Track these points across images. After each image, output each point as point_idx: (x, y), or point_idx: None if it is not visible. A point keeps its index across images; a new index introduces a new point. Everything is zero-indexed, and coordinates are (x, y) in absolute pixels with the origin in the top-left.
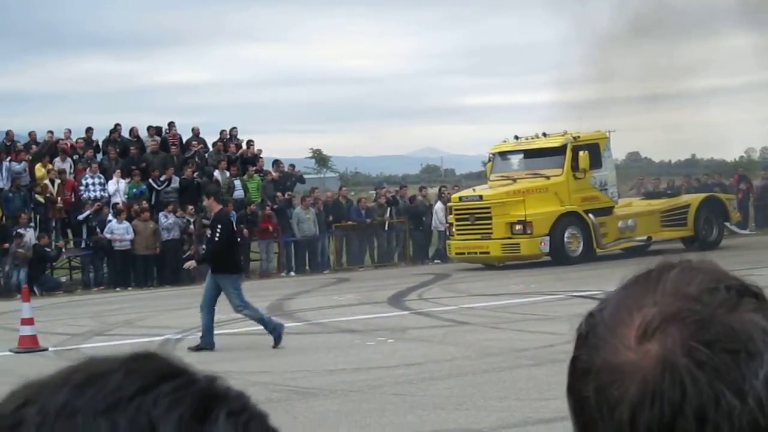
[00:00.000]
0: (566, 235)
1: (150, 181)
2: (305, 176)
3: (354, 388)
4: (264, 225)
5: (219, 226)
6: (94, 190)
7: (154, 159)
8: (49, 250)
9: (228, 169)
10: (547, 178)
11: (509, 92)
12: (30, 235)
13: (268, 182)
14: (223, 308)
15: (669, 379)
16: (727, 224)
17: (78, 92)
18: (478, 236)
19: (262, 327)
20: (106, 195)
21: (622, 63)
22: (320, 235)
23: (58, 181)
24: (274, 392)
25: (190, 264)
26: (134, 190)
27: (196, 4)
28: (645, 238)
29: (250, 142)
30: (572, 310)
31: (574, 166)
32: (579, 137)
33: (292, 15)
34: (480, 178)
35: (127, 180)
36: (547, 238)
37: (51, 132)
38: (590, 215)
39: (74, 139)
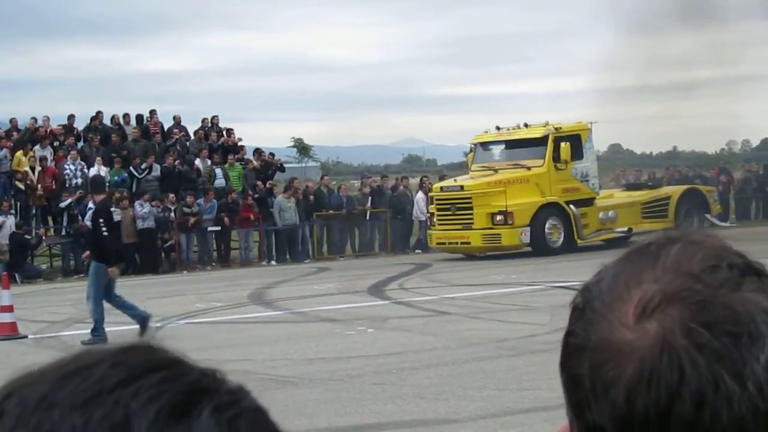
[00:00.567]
0: (547, 225)
1: (131, 169)
2: (287, 165)
3: (334, 377)
4: (245, 214)
5: (102, 220)
6: (75, 178)
7: (136, 147)
8: (29, 237)
9: (209, 158)
10: (529, 168)
11: (492, 82)
12: (10, 223)
13: (249, 171)
14: (203, 296)
15: (667, 360)
16: (708, 216)
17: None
18: (459, 226)
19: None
20: (86, 182)
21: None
22: (301, 224)
23: (39, 168)
24: (254, 381)
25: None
26: (115, 177)
27: None
28: (626, 229)
29: (230, 131)
30: (553, 301)
31: (556, 157)
32: (561, 128)
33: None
34: (462, 168)
35: (109, 168)
36: (528, 228)
37: (34, 119)
38: (571, 206)
39: (53, 126)
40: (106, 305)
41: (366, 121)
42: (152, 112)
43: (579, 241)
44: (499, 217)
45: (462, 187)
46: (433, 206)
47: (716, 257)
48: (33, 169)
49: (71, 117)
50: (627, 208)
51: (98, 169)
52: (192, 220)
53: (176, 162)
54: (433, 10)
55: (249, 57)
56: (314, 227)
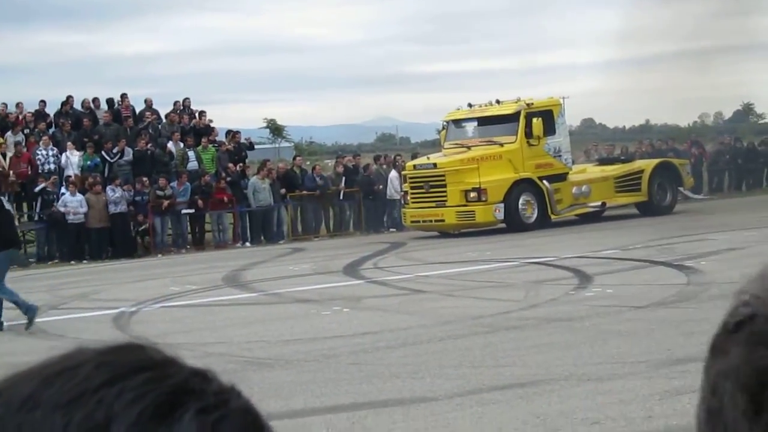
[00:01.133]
0: (521, 201)
1: (103, 153)
2: (260, 146)
3: (309, 357)
4: (218, 196)
5: None
6: (48, 163)
7: (107, 131)
8: None
9: (182, 141)
10: (501, 145)
11: (463, 59)
12: None
13: (222, 153)
14: (178, 280)
15: None
16: (681, 189)
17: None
18: (433, 204)
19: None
20: (58, 167)
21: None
22: (275, 205)
23: (10, 154)
24: (230, 363)
25: None
26: (88, 162)
27: None
28: (599, 203)
29: (202, 113)
30: (527, 277)
31: (528, 133)
32: (532, 104)
33: None
34: (435, 145)
35: (81, 152)
36: (502, 205)
37: (5, 104)
38: (544, 182)
39: (26, 112)
40: None
41: (339, 100)
42: (123, 96)
43: (553, 217)
44: (472, 194)
45: (435, 165)
46: (406, 184)
47: None
48: (4, 155)
49: (42, 102)
50: (600, 182)
51: (70, 154)
52: (165, 203)
53: (148, 145)
54: None
55: (221, 38)
56: (288, 208)
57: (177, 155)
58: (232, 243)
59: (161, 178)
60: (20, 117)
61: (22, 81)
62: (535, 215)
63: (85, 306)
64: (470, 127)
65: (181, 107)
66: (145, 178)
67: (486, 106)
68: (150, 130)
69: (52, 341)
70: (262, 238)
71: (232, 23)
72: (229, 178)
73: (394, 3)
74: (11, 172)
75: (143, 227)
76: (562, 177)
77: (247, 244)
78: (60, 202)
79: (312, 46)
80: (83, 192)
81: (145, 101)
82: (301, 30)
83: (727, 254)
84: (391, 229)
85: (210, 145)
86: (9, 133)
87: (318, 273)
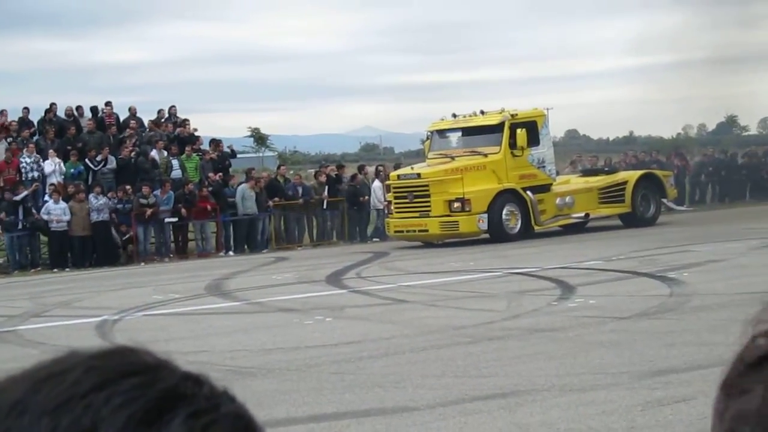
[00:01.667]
0: (504, 212)
1: (86, 161)
2: (244, 155)
3: (292, 366)
4: (202, 204)
5: None
6: (32, 171)
7: (91, 139)
8: None
9: (166, 149)
10: (485, 155)
11: (448, 70)
12: None
13: (206, 162)
14: (161, 288)
15: None
16: (665, 201)
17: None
18: (417, 214)
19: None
20: (41, 175)
21: None
22: (260, 214)
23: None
24: (212, 372)
25: None
26: (71, 170)
27: None
28: (583, 215)
29: (185, 122)
30: (510, 288)
31: (512, 144)
32: (517, 115)
33: None
34: (419, 156)
35: (64, 160)
36: (486, 215)
37: None
38: (528, 192)
39: (9, 120)
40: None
41: (323, 109)
42: (107, 104)
43: (536, 227)
44: (456, 204)
45: (419, 175)
46: (390, 194)
47: None
48: None
49: (25, 109)
50: (584, 193)
51: (53, 162)
52: (149, 211)
53: (132, 153)
54: None
55: (206, 47)
56: (272, 217)
57: (161, 163)
58: (216, 252)
59: (144, 186)
60: (4, 124)
61: (5, 88)
62: (518, 226)
63: (68, 314)
64: (454, 137)
65: (166, 115)
66: (128, 186)
67: (470, 116)
68: (134, 139)
69: (30, 348)
70: (246, 247)
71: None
72: (211, 188)
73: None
74: None
75: (127, 236)
76: (545, 188)
77: (231, 253)
78: (43, 209)
79: (297, 55)
80: (66, 200)
81: (129, 109)
82: (286, 39)
83: (710, 266)
84: (375, 239)
85: (194, 154)
86: None
87: (301, 282)
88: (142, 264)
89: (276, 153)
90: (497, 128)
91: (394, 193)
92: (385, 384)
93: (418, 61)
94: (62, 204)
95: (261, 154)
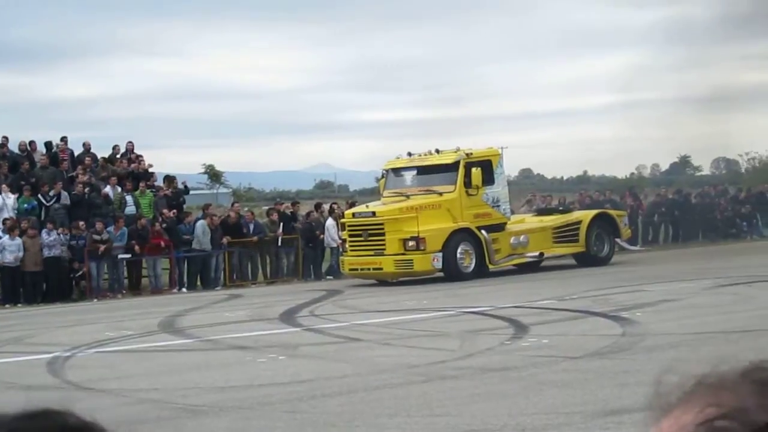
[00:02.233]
0: (459, 251)
1: (39, 196)
2: (198, 192)
3: (244, 405)
4: (155, 241)
5: None
6: None
7: (44, 174)
8: None
9: (120, 185)
10: (440, 194)
11: (402, 108)
12: None
13: (160, 198)
14: (114, 325)
15: None
16: (618, 240)
17: None
18: (372, 252)
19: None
20: None
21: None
22: (214, 251)
23: None
24: (164, 410)
25: None
26: (24, 205)
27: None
28: (537, 254)
29: (139, 157)
30: (463, 327)
31: (467, 183)
32: (472, 154)
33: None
34: (374, 194)
35: (17, 195)
36: (440, 254)
37: None
38: (483, 231)
39: None
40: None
41: (277, 146)
42: (63, 139)
43: (491, 266)
44: (411, 243)
45: (374, 213)
46: (345, 232)
47: None
48: None
49: None
50: (538, 232)
51: (6, 197)
52: (102, 247)
53: (85, 189)
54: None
55: (161, 83)
56: (226, 254)
57: (114, 199)
58: (169, 288)
59: (98, 222)
60: None
61: None
62: (473, 265)
63: (19, 350)
64: (409, 175)
65: (122, 151)
66: (81, 222)
67: (425, 155)
68: (87, 175)
69: None
70: (199, 283)
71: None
72: (165, 224)
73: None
74: None
75: (80, 273)
76: (500, 227)
77: (184, 289)
78: None
79: (252, 93)
80: (20, 235)
81: (84, 145)
82: (242, 76)
83: (663, 305)
84: (329, 277)
85: (148, 190)
86: None
87: (254, 320)
88: (95, 300)
89: (230, 190)
90: (452, 167)
91: (349, 231)
92: (338, 423)
93: (374, 100)
94: (17, 239)
95: (215, 191)
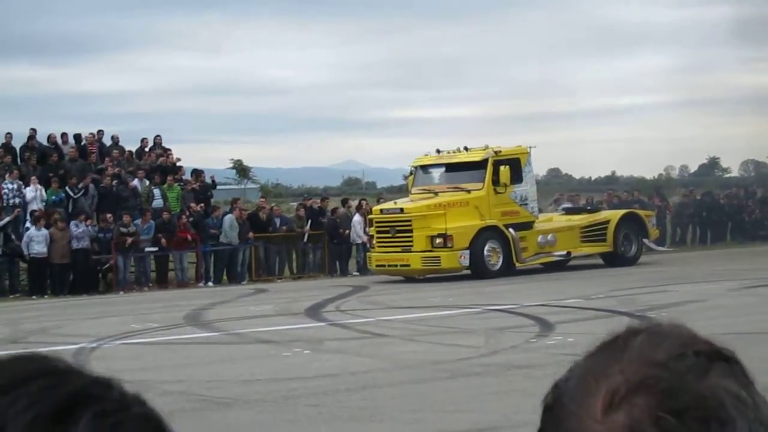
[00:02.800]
0: (486, 248)
1: (67, 188)
2: (226, 187)
3: (268, 398)
4: (182, 234)
5: None
6: (13, 197)
7: (72, 166)
8: None
9: (148, 178)
10: (468, 192)
11: (431, 106)
12: None
13: (187, 192)
14: (139, 317)
15: None
16: (646, 241)
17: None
18: (399, 249)
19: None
20: (23, 201)
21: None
22: (240, 245)
23: None
24: (189, 402)
25: None
26: (52, 197)
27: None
28: (564, 253)
29: (167, 151)
30: (489, 324)
31: (495, 181)
32: (500, 152)
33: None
34: (401, 191)
35: (45, 187)
36: (467, 251)
37: None
38: (510, 230)
39: None
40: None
41: (306, 143)
42: (99, 132)
43: (518, 265)
44: (438, 240)
45: (402, 210)
46: (372, 229)
47: (682, 345)
48: None
49: (8, 135)
50: (566, 232)
51: (35, 189)
52: (129, 240)
53: (113, 182)
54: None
55: (191, 78)
56: (252, 249)
57: (142, 192)
58: (195, 282)
59: (125, 215)
60: None
61: None
62: (500, 263)
63: (46, 341)
64: (437, 173)
65: (150, 144)
66: (108, 215)
67: (454, 152)
68: (115, 168)
69: None
70: (225, 278)
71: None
72: (192, 218)
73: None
74: None
75: (107, 265)
76: (527, 225)
77: (210, 283)
78: (25, 236)
79: (280, 89)
80: (47, 227)
81: (112, 138)
82: (272, 72)
83: (689, 306)
84: (355, 273)
85: (175, 184)
86: None
87: (280, 314)
88: (121, 293)
89: (258, 185)
90: (481, 165)
91: (377, 227)
92: (361, 418)
93: (403, 96)
94: (43, 231)
95: (243, 186)
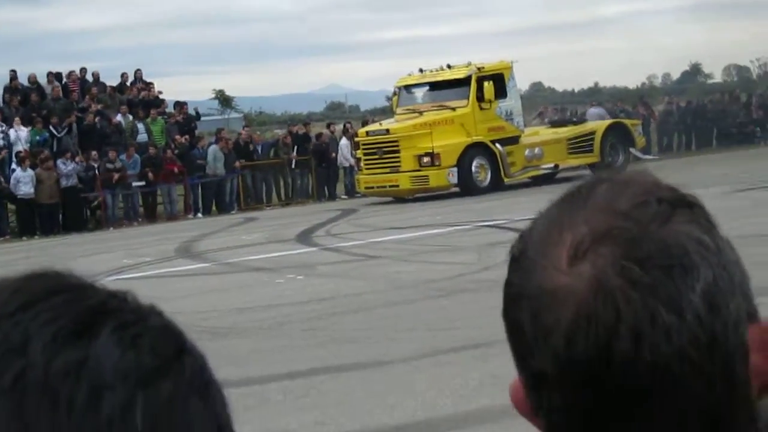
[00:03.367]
0: (474, 165)
1: (51, 128)
2: (209, 117)
3: (264, 325)
4: (169, 167)
5: None
6: None
7: (55, 105)
8: None
9: (131, 113)
10: (453, 109)
11: (410, 26)
12: None
13: (171, 125)
14: (131, 252)
15: (602, 300)
16: (632, 150)
17: None
18: (387, 170)
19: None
20: (7, 143)
21: None
22: (227, 174)
23: None
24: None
25: None
26: (36, 137)
27: None
28: (552, 165)
29: (150, 85)
30: (480, 240)
31: (480, 97)
32: (483, 68)
33: None
34: (384, 113)
35: (29, 128)
36: (455, 169)
37: None
38: (497, 145)
39: None
40: None
41: (287, 69)
42: (73, 71)
43: (506, 180)
44: (425, 159)
45: (388, 131)
46: (359, 151)
47: (645, 193)
48: None
49: None
50: (552, 144)
51: (18, 130)
52: (116, 176)
53: (96, 119)
54: None
55: (166, 10)
56: (240, 177)
57: (126, 127)
58: (184, 214)
59: (111, 150)
60: None
61: None
62: (488, 179)
63: None
64: (421, 92)
65: (131, 79)
66: (93, 152)
67: (437, 71)
68: (97, 104)
69: None
70: (214, 208)
71: None
72: (177, 150)
73: None
74: None
75: (95, 203)
76: (514, 140)
77: (199, 215)
78: (12, 178)
79: (258, 17)
80: (33, 167)
81: (93, 74)
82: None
83: None
84: (343, 197)
85: (159, 117)
86: None
87: (271, 242)
88: (111, 229)
89: (241, 114)
90: (464, 82)
91: (364, 149)
92: (357, 339)
93: (382, 18)
94: (29, 171)
95: (226, 116)
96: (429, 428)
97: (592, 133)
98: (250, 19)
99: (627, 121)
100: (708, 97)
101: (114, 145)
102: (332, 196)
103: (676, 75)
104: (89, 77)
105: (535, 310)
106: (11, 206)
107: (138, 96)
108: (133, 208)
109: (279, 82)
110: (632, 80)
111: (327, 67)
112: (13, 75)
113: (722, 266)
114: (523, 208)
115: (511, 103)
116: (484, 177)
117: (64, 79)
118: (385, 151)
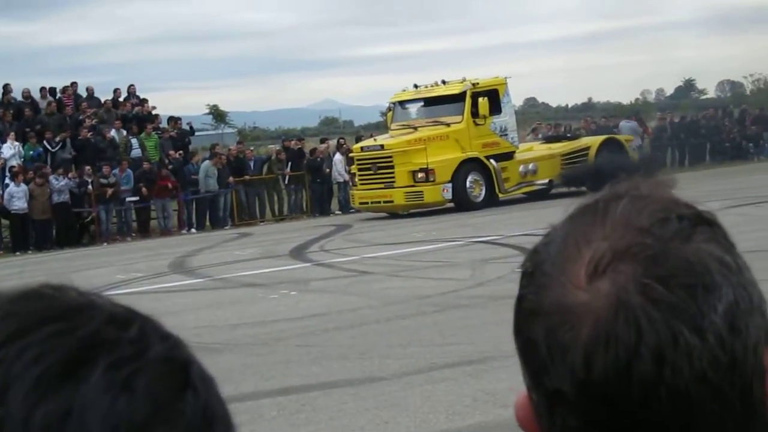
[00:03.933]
0: (468, 181)
1: (45, 143)
2: (203, 133)
3: (258, 341)
4: (163, 183)
5: None
6: None
7: (50, 121)
8: None
9: (125, 128)
10: (448, 125)
11: (405, 41)
12: None
13: (165, 140)
14: (124, 267)
15: (623, 319)
16: None
17: None
18: (381, 185)
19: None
20: (1, 159)
21: None
22: (221, 190)
23: None
24: None
25: None
26: (30, 152)
27: None
28: (546, 181)
29: (144, 100)
30: (473, 256)
31: (474, 113)
32: (478, 83)
33: None
34: (378, 128)
35: (22, 143)
36: (450, 184)
37: None
38: (491, 161)
39: None
40: None
41: (281, 85)
42: (67, 86)
43: (500, 195)
44: (420, 175)
45: (382, 146)
46: (354, 166)
47: (665, 210)
48: None
49: None
50: (547, 160)
51: (12, 145)
52: (110, 191)
53: (90, 134)
54: None
55: (161, 25)
56: (234, 193)
57: (120, 143)
58: (177, 229)
59: (105, 165)
60: None
61: None
62: (482, 194)
63: None
64: (416, 108)
65: (126, 94)
66: (87, 167)
67: (432, 86)
68: (92, 120)
69: None
70: (208, 223)
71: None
72: (171, 166)
73: None
74: None
75: (88, 218)
76: (509, 156)
77: (193, 230)
78: (6, 193)
79: (253, 32)
80: (27, 182)
81: (87, 90)
82: (243, 15)
83: None
84: (337, 212)
85: (153, 132)
86: None
87: (264, 257)
88: (105, 244)
89: (235, 129)
90: (459, 98)
91: (358, 165)
92: (351, 355)
93: (376, 34)
94: (23, 186)
95: (220, 131)
96: None
97: (587, 148)
98: (245, 35)
99: (621, 137)
100: (702, 112)
101: (108, 160)
102: (326, 212)
103: (669, 90)
104: (82, 92)
105: (551, 326)
106: (4, 221)
107: (132, 111)
108: (127, 223)
109: (273, 97)
110: (626, 96)
111: (320, 83)
112: (7, 89)
113: (742, 286)
114: (518, 224)
115: (506, 119)
116: (479, 193)
117: (58, 94)
118: (380, 167)
